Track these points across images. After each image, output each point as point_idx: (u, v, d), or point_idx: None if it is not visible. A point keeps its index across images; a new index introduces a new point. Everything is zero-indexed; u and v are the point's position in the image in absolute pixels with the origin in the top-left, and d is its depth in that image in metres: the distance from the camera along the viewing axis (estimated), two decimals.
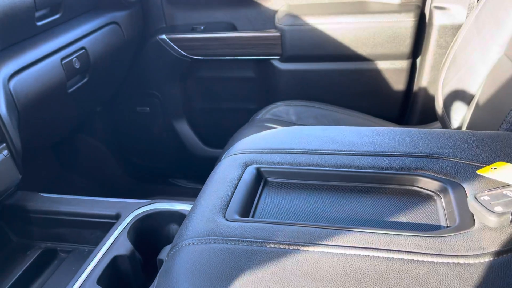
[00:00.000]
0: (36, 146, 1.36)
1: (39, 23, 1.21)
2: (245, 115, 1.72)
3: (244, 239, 0.53)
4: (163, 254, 0.82)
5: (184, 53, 1.68)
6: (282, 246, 0.52)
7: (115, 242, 0.85)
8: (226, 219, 0.58)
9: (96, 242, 0.98)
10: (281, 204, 0.63)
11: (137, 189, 2.01)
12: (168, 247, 0.84)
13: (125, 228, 0.89)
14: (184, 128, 1.89)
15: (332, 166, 0.66)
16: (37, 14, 1.20)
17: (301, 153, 0.70)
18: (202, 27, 1.68)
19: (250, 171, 0.68)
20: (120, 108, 1.88)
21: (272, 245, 0.52)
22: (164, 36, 1.67)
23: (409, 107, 1.65)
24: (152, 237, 0.94)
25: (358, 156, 0.68)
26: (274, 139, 0.77)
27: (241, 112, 1.84)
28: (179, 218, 0.94)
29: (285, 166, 0.68)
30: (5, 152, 0.93)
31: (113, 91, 1.75)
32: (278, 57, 1.62)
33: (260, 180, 0.68)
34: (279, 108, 1.53)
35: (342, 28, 1.52)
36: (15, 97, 1.07)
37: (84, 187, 1.94)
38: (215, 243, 0.54)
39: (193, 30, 1.68)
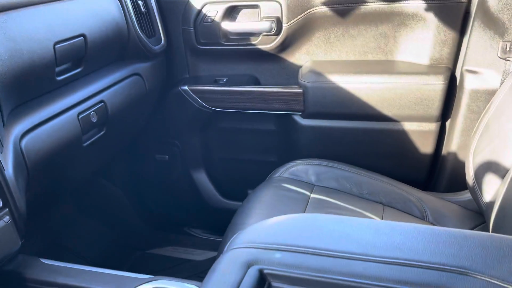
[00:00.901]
0: (47, 201, 1.34)
1: (59, 78, 1.20)
2: (264, 168, 1.67)
3: None
4: None
5: (206, 105, 1.65)
6: None
7: None
8: None
9: None
10: None
11: (152, 236, 1.97)
12: None
13: None
14: (202, 178, 1.85)
15: (346, 275, 0.59)
16: (58, 69, 1.19)
17: (311, 254, 0.63)
18: (224, 79, 1.67)
19: (252, 274, 0.62)
20: (139, 155, 1.87)
21: None
22: (186, 87, 1.65)
23: (436, 172, 1.55)
24: None
25: (375, 263, 0.60)
26: (282, 230, 0.71)
27: (261, 164, 1.79)
28: None
29: (292, 270, 0.61)
30: (7, 218, 0.90)
31: (131, 141, 1.74)
32: (300, 113, 1.58)
33: (263, 284, 0.61)
34: (298, 167, 1.47)
35: (367, 88, 1.47)
36: (26, 156, 1.05)
37: (99, 232, 1.91)
38: None
39: (215, 82, 1.67)
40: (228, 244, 0.72)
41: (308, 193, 1.34)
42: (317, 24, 1.52)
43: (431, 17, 1.40)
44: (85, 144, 1.29)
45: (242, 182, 1.85)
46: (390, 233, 0.67)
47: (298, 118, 1.59)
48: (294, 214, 0.75)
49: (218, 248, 1.85)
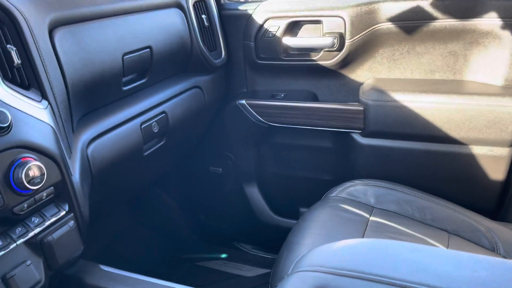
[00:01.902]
0: (106, 208, 1.37)
1: (125, 88, 1.24)
2: (318, 186, 1.63)
3: None
4: None
5: (262, 119, 1.64)
6: None
7: None
8: None
9: None
10: None
11: (202, 248, 1.97)
12: None
13: None
14: (254, 192, 1.83)
15: None
16: (124, 79, 1.23)
17: (385, 284, 0.59)
18: (282, 95, 1.65)
19: None
20: (193, 166, 1.88)
21: None
22: (243, 101, 1.65)
23: (507, 200, 1.44)
24: None
25: None
26: (352, 255, 0.66)
27: (315, 182, 1.74)
28: None
29: None
30: (71, 223, 0.92)
31: (189, 152, 1.76)
32: (360, 131, 1.53)
33: None
34: (357, 187, 1.41)
35: (433, 108, 1.39)
36: (91, 163, 1.07)
37: (151, 240, 1.93)
38: None
39: (273, 97, 1.65)
40: (292, 266, 0.68)
41: (367, 215, 1.28)
42: (381, 40, 1.48)
43: (507, 35, 1.32)
44: (146, 153, 1.32)
45: (295, 200, 1.81)
46: (473, 267, 0.61)
47: (357, 137, 1.54)
48: (364, 239, 0.71)
49: (268, 265, 1.83)
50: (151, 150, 1.34)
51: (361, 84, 1.55)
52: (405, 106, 1.42)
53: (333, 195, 1.40)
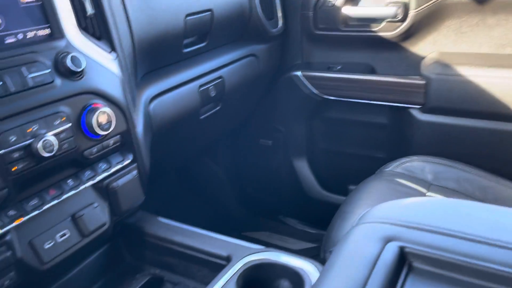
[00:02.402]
0: (163, 168, 1.40)
1: (186, 50, 1.25)
2: (370, 164, 1.59)
3: None
4: None
5: (316, 92, 1.61)
6: None
7: (224, 287, 0.80)
8: None
9: (202, 280, 0.93)
10: None
11: (247, 220, 1.98)
12: None
13: (235, 274, 0.82)
14: (303, 167, 1.81)
15: (508, 266, 0.51)
16: (185, 41, 1.24)
17: (461, 238, 0.56)
18: (338, 67, 1.61)
19: (391, 250, 0.56)
20: (244, 137, 1.89)
21: None
22: (299, 73, 1.63)
23: None
24: None
25: None
26: (422, 211, 0.64)
27: (367, 159, 1.70)
28: (291, 275, 0.85)
29: (439, 253, 0.55)
30: (135, 172, 0.95)
31: (241, 122, 1.76)
32: (419, 106, 1.47)
33: (402, 263, 0.56)
34: (413, 163, 1.37)
35: (502, 84, 1.32)
36: (153, 119, 1.10)
37: (198, 210, 1.97)
38: None
39: (329, 69, 1.62)
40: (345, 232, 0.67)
41: (424, 190, 1.24)
42: (449, 11, 1.40)
43: None
44: (202, 117, 1.33)
45: (344, 177, 1.78)
46: None
47: (416, 113, 1.49)
48: (433, 197, 0.68)
49: (314, 239, 1.82)
50: (207, 114, 1.36)
51: (423, 58, 1.49)
52: (471, 81, 1.35)
53: (388, 169, 1.36)
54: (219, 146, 1.91)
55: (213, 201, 1.99)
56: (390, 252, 0.56)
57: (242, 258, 0.87)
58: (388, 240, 0.58)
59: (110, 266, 0.99)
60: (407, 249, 0.57)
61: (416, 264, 0.56)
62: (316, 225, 1.87)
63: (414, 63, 1.51)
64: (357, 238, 0.60)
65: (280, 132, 1.81)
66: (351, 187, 1.77)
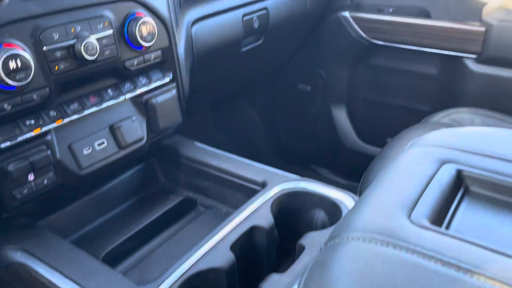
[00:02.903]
0: (200, 101, 1.38)
1: None
2: (413, 116, 1.51)
3: (440, 257, 0.38)
4: (306, 240, 0.71)
5: (364, 35, 1.53)
6: (500, 286, 0.36)
7: (256, 211, 0.78)
8: (412, 222, 0.44)
9: (236, 205, 0.92)
10: (489, 224, 0.46)
11: (278, 166, 1.96)
12: (312, 234, 0.73)
13: (269, 200, 0.81)
14: (341, 115, 1.75)
15: None
16: None
17: None
18: (390, 9, 1.51)
19: (447, 171, 0.52)
20: (282, 81, 1.83)
21: (486, 280, 0.36)
22: (347, 14, 1.54)
23: None
24: (293, 217, 0.85)
25: None
26: (479, 138, 0.59)
27: (410, 112, 1.63)
28: (327, 205, 0.82)
29: (496, 176, 0.50)
30: (174, 91, 0.93)
31: (282, 62, 1.70)
32: (475, 56, 1.37)
33: (459, 185, 0.52)
34: (462, 114, 1.29)
35: None
36: (194, 42, 1.06)
37: (232, 151, 1.96)
38: (394, 247, 0.41)
39: (380, 11, 1.52)
40: (412, 143, 0.62)
41: None
42: None
43: None
44: (243, 49, 1.29)
45: (384, 128, 1.71)
46: None
47: (470, 63, 1.39)
48: (491, 127, 0.63)
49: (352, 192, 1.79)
50: (249, 47, 1.31)
51: (486, 4, 1.37)
52: None
53: (434, 119, 1.29)
54: (256, 89, 1.87)
55: (246, 144, 1.98)
56: (447, 173, 0.52)
57: (277, 185, 0.85)
58: (444, 162, 0.54)
59: (144, 185, 0.99)
60: (464, 172, 0.52)
61: (473, 187, 0.52)
62: (348, 176, 1.84)
63: (474, 8, 1.39)
64: (410, 158, 0.56)
65: (321, 78, 1.74)
66: (390, 140, 1.71)
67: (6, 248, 0.69)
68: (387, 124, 1.71)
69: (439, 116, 1.30)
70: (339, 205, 0.79)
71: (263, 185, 0.86)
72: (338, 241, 0.44)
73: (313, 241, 0.71)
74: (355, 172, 1.74)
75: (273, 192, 0.83)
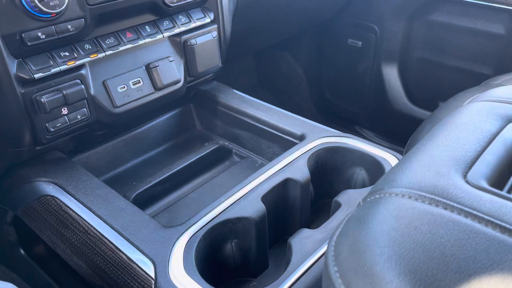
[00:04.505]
0: (242, 48, 1.32)
1: None
2: (472, 80, 1.39)
3: (499, 223, 0.33)
4: (343, 198, 0.66)
5: None
6: None
7: (292, 164, 0.74)
8: (468, 182, 0.38)
9: (271, 157, 0.89)
10: None
11: (320, 123, 1.90)
12: (350, 191, 0.68)
13: (306, 153, 0.76)
14: (392, 74, 1.64)
15: None
16: None
17: None
18: None
19: None
20: (330, 34, 1.73)
21: None
22: None
23: None
24: (331, 174, 0.80)
25: None
26: None
27: (469, 74, 1.50)
28: (369, 164, 0.77)
29: None
30: (215, 33, 0.88)
31: (333, 13, 1.60)
32: None
33: None
34: None
35: None
36: None
37: (273, 105, 1.91)
38: (445, 208, 0.35)
39: None
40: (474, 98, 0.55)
41: None
42: None
43: None
44: None
45: (437, 91, 1.59)
46: None
47: None
48: None
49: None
50: None
51: None
52: None
53: (496, 82, 1.18)
54: (302, 41, 1.78)
55: (287, 99, 1.91)
56: None
57: (316, 139, 0.80)
58: (511, 120, 0.47)
59: (180, 130, 0.97)
60: None
61: None
62: (395, 140, 1.75)
63: None
64: (471, 113, 0.49)
65: (373, 32, 1.63)
66: (442, 104, 1.59)
67: (38, 180, 0.70)
68: (441, 87, 1.59)
69: (502, 80, 1.18)
70: (382, 164, 0.73)
71: (302, 138, 0.81)
72: (379, 197, 0.39)
73: (350, 198, 0.66)
74: (402, 136, 1.65)
75: (311, 145, 0.78)
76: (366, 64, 1.70)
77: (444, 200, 0.36)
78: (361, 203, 0.41)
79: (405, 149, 1.02)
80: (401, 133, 1.64)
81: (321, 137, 0.81)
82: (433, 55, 1.55)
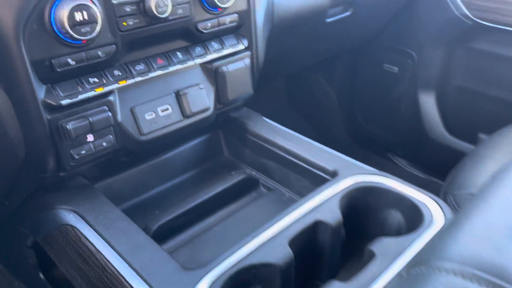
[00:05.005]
0: (274, 71, 1.29)
1: None
2: None
3: None
4: (377, 246, 0.61)
5: (468, 14, 1.33)
6: None
7: (323, 205, 0.69)
8: None
9: (300, 192, 0.84)
10: None
11: (350, 150, 1.84)
12: (385, 240, 0.63)
13: (339, 192, 0.71)
14: (429, 102, 1.58)
15: None
16: None
17: None
18: None
19: None
20: (365, 58, 1.68)
21: None
22: None
23: None
24: (363, 214, 0.75)
25: None
26: None
27: (510, 106, 1.42)
28: (405, 207, 0.71)
29: None
30: (247, 60, 0.85)
31: (369, 38, 1.55)
32: None
33: None
34: None
35: None
36: (275, 8, 0.97)
37: (300, 127, 1.87)
38: None
39: None
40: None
41: None
42: None
43: None
44: (329, 20, 1.17)
45: (477, 122, 1.51)
46: None
47: None
48: None
49: (425, 186, 1.63)
50: (335, 18, 1.19)
51: None
52: None
53: None
54: (336, 64, 1.74)
55: (318, 122, 1.87)
56: None
57: (350, 176, 0.75)
58: None
59: (207, 156, 0.94)
60: None
61: None
62: (430, 171, 1.67)
63: None
64: None
65: (411, 58, 1.57)
66: (482, 136, 1.51)
67: (60, 208, 0.68)
68: (481, 118, 1.51)
69: None
70: (421, 209, 0.68)
71: (334, 174, 0.77)
72: (426, 271, 0.34)
73: (385, 248, 0.61)
74: (438, 167, 1.58)
75: (344, 184, 0.73)
76: (401, 90, 1.64)
77: (505, 284, 0.31)
78: (403, 275, 0.36)
79: (444, 187, 0.96)
80: (437, 164, 1.57)
81: (355, 174, 0.76)
82: (474, 84, 1.48)
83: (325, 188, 0.73)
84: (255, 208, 0.83)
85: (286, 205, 0.75)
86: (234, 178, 0.88)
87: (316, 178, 0.80)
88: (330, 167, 0.78)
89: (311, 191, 0.74)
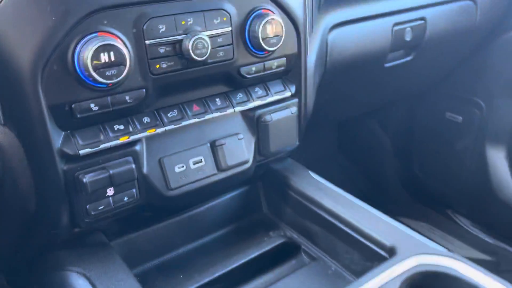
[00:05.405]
0: (324, 117, 1.19)
1: None
2: None
3: None
4: None
5: None
6: None
7: None
8: None
9: (349, 266, 0.71)
10: None
11: (406, 204, 1.68)
12: None
13: (399, 276, 0.58)
14: (499, 157, 1.41)
15: None
16: None
17: None
18: None
19: None
20: (426, 106, 1.54)
21: None
22: None
23: None
24: None
25: None
26: None
27: None
28: None
29: None
30: (294, 109, 0.75)
31: (431, 84, 1.42)
32: None
33: None
34: None
35: None
36: (329, 52, 0.88)
37: (351, 178, 1.73)
38: None
39: None
40: None
41: None
42: None
43: None
44: (387, 65, 1.06)
45: None
46: None
47: None
48: None
49: (490, 252, 1.44)
50: (394, 63, 1.08)
51: None
52: None
53: None
54: (392, 111, 1.60)
55: (371, 172, 1.73)
56: None
57: (412, 256, 0.62)
58: None
59: (244, 211, 0.84)
60: None
61: None
62: (498, 235, 1.47)
63: None
64: None
65: (478, 108, 1.42)
66: None
67: (70, 270, 0.59)
68: None
69: None
70: None
71: (391, 251, 0.64)
72: None
73: None
74: (507, 231, 1.39)
75: (405, 266, 0.60)
76: (466, 142, 1.48)
77: None
78: None
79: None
80: (507, 227, 1.38)
81: (417, 254, 0.62)
82: None
83: (382, 270, 0.60)
84: (295, 280, 0.71)
85: (331, 281, 0.63)
86: (272, 242, 0.77)
87: (369, 253, 0.67)
88: (387, 241, 0.65)
89: (363, 267, 0.61)
